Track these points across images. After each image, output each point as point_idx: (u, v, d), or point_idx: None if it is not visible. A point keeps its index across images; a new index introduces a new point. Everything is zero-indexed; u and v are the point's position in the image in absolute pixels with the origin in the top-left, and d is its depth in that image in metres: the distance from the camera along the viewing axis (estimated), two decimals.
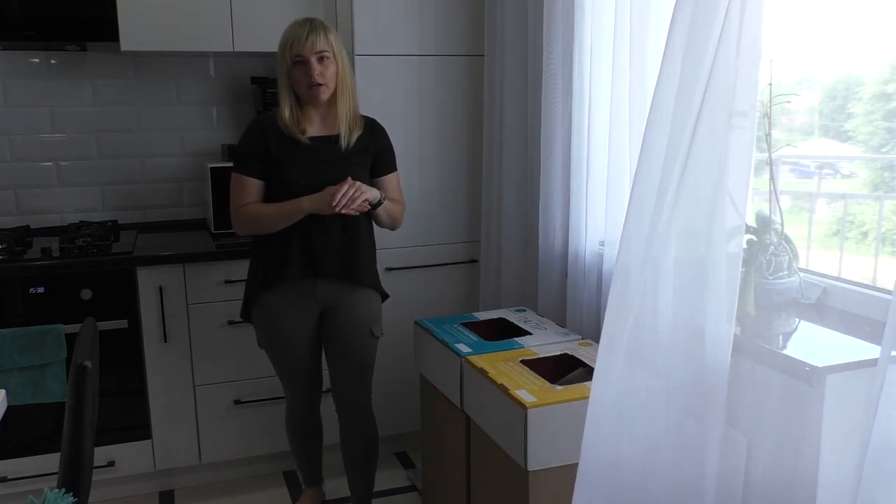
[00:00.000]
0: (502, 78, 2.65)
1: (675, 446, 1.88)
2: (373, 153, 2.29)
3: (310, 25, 2.15)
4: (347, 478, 2.50)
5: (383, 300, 2.41)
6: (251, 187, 2.23)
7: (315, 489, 2.62)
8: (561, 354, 2.12)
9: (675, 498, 1.73)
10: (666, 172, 1.64)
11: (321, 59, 2.15)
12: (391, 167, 2.35)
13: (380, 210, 2.25)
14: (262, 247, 2.29)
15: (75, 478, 1.39)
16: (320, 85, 2.16)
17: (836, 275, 1.79)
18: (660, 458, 1.72)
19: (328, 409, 2.52)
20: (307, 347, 2.34)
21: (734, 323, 1.62)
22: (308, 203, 2.14)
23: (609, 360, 1.69)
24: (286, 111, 2.20)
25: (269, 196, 2.24)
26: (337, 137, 2.23)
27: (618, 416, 1.70)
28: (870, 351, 1.43)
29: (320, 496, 2.65)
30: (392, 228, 2.39)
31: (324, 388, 2.51)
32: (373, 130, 2.31)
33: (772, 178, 1.76)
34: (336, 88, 2.20)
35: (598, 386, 1.70)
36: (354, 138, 2.24)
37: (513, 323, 2.38)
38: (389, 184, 2.33)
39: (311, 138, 2.22)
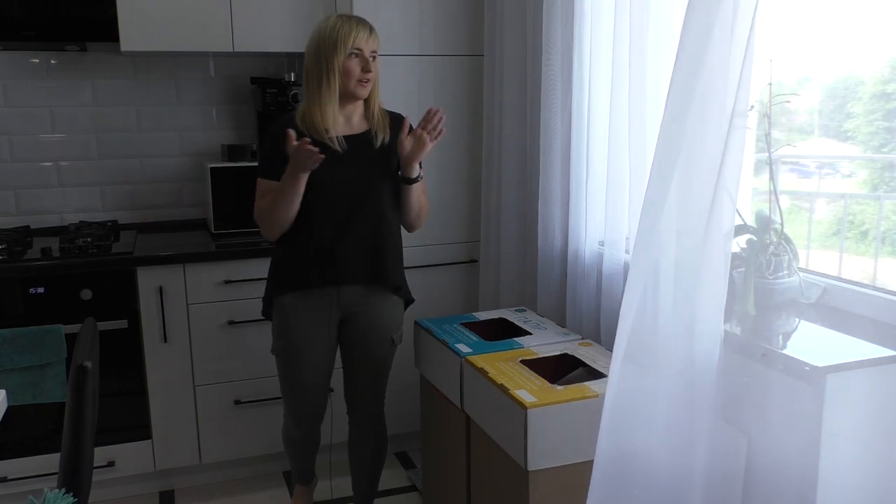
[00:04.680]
0: (501, 78, 2.65)
1: (675, 444, 1.87)
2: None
3: (365, 24, 2.16)
4: (352, 479, 2.50)
5: (406, 306, 2.35)
6: (274, 190, 2.15)
7: (308, 487, 2.62)
8: (561, 354, 2.12)
9: (678, 495, 1.74)
10: (667, 172, 1.65)
11: (373, 58, 2.16)
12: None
13: (414, 188, 2.21)
14: (283, 249, 2.22)
15: (75, 478, 1.39)
16: (369, 80, 2.15)
17: (836, 275, 1.79)
18: (662, 455, 1.72)
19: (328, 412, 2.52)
20: (326, 355, 2.27)
21: (723, 321, 1.62)
22: (292, 170, 2.04)
23: (621, 359, 1.69)
24: (329, 109, 2.13)
25: (303, 200, 2.16)
26: (363, 136, 2.20)
27: (629, 413, 1.71)
28: (870, 351, 1.43)
29: (314, 486, 2.63)
30: (414, 224, 2.31)
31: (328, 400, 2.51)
32: (402, 127, 2.23)
33: (772, 178, 1.76)
34: (374, 87, 2.21)
35: (611, 383, 1.70)
36: (388, 135, 2.21)
37: (513, 323, 2.38)
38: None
39: (338, 138, 2.16)
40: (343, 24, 2.13)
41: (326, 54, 2.12)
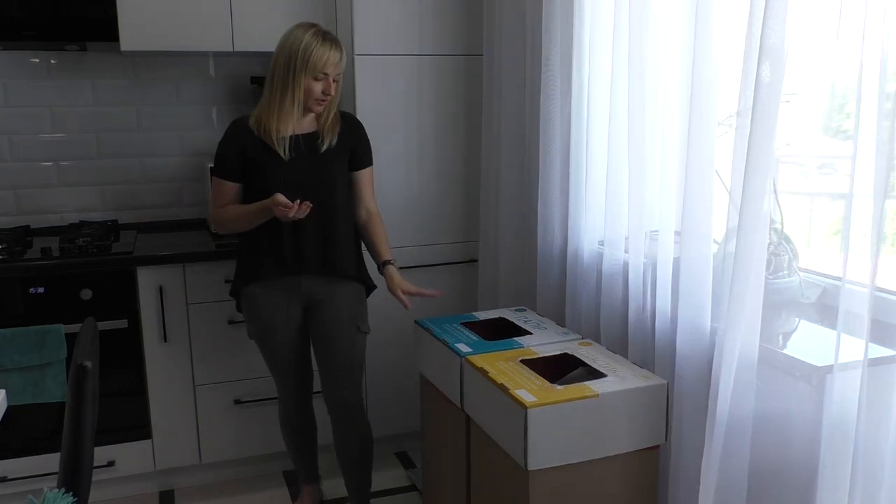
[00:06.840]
0: (500, 77, 2.65)
1: (677, 443, 1.88)
2: (350, 148, 2.34)
3: (338, 46, 2.21)
4: (343, 475, 2.51)
5: (369, 293, 2.44)
6: (229, 190, 2.29)
7: (314, 486, 2.62)
8: (561, 354, 2.12)
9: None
10: (666, 172, 1.65)
11: (336, 81, 2.23)
12: (368, 162, 2.41)
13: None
14: (243, 245, 2.36)
15: (75, 478, 1.39)
16: (326, 100, 2.23)
17: (836, 275, 1.79)
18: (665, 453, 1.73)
19: (321, 410, 2.52)
20: (294, 335, 2.38)
21: (722, 320, 1.62)
22: (266, 206, 2.16)
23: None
24: (287, 119, 2.22)
25: (252, 198, 2.26)
26: (311, 136, 2.28)
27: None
28: (870, 351, 1.43)
29: (319, 494, 2.65)
30: None
31: (314, 389, 2.52)
32: (350, 126, 2.36)
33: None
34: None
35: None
36: (335, 138, 2.29)
37: (513, 322, 2.38)
38: (364, 178, 2.39)
39: (291, 137, 2.24)
40: (318, 46, 2.17)
41: (295, 70, 2.18)
